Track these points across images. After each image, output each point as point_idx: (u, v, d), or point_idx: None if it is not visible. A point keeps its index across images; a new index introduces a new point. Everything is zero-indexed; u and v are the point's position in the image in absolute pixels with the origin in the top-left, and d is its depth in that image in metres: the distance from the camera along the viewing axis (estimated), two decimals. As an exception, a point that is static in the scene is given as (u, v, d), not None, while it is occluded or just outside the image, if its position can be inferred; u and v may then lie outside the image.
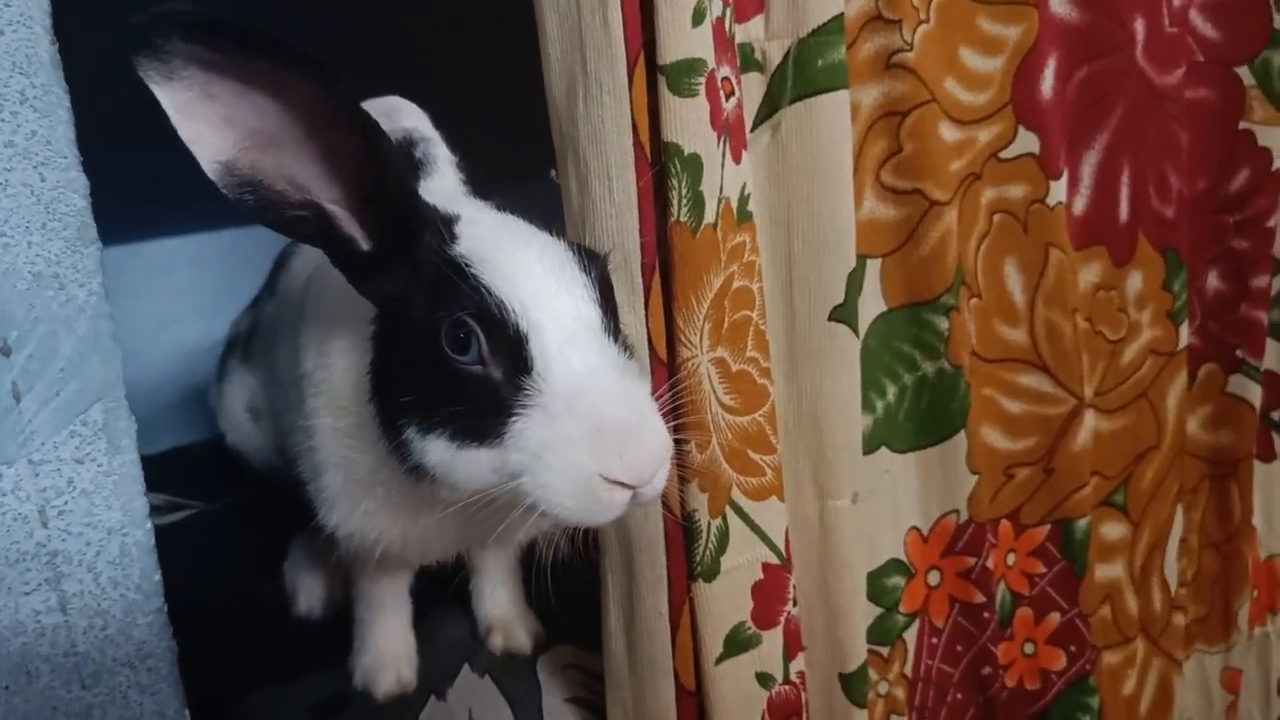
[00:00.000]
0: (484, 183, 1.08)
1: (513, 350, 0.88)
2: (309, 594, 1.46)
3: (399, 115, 1.12)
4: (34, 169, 0.92)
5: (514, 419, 0.87)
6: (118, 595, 1.01)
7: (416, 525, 1.08)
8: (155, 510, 1.76)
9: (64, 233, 0.94)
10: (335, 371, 1.06)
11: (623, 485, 0.85)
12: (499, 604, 1.41)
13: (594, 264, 0.94)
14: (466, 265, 0.90)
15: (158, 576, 1.03)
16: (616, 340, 0.92)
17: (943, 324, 1.29)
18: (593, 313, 0.91)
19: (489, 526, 0.94)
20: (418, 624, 1.36)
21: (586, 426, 0.85)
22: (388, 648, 1.32)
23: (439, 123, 1.14)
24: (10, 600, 0.96)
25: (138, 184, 1.80)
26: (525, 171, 1.16)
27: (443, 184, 1.06)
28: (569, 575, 1.25)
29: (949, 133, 1.28)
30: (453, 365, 0.89)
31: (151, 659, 1.04)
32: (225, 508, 1.75)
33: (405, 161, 1.04)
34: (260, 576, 1.52)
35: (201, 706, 1.27)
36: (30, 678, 0.98)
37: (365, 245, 0.93)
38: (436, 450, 0.91)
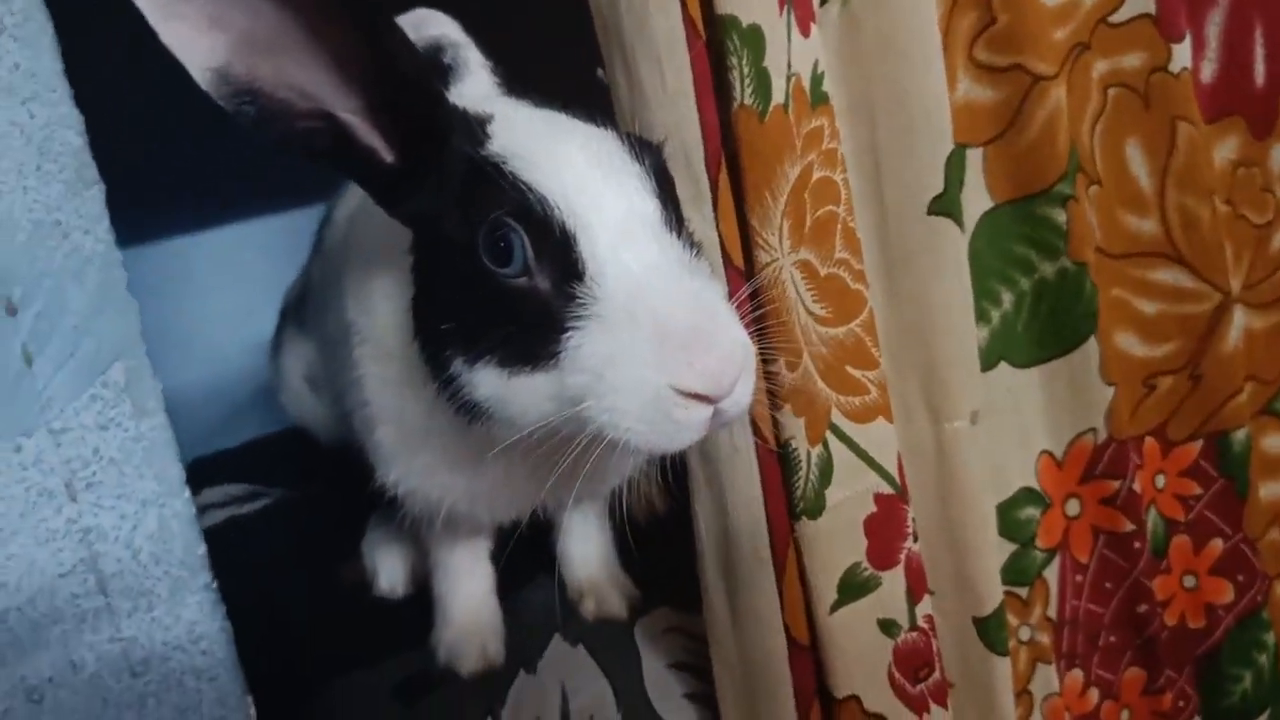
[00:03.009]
0: (522, 85, 0.97)
1: (560, 254, 0.76)
2: (389, 572, 1.37)
3: (426, 25, 1.01)
4: (21, 105, 0.83)
5: (569, 334, 0.75)
6: (161, 573, 0.92)
7: (481, 477, 0.97)
8: (238, 500, 1.73)
9: (61, 175, 0.85)
10: (378, 316, 0.96)
11: (699, 398, 0.73)
12: (589, 566, 1.29)
13: (647, 153, 0.82)
14: (501, 163, 0.79)
15: (202, 549, 0.94)
16: (680, 235, 0.80)
17: (1060, 217, 1.13)
18: (648, 205, 0.79)
19: (562, 471, 0.83)
20: (502, 593, 1.26)
21: (650, 334, 0.73)
22: (470, 620, 1.22)
23: (472, 30, 1.03)
24: (45, 584, 0.88)
25: (195, 170, 1.74)
26: (570, 73, 1.03)
27: (475, 87, 0.95)
28: (663, 529, 1.14)
29: (1049, -3, 1.12)
30: (495, 280, 0.78)
31: (205, 640, 0.95)
32: (305, 492, 1.68)
33: (431, 64, 0.93)
34: (341, 558, 1.44)
35: (283, 694, 1.20)
36: (75, 668, 0.90)
37: (388, 157, 0.83)
38: (486, 382, 0.80)
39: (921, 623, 1.06)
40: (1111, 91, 1.19)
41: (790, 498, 0.99)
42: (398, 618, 1.29)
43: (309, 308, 1.36)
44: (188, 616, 0.94)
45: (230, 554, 1.52)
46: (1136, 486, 1.22)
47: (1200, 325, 1.25)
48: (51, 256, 0.85)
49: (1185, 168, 1.20)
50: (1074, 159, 1.13)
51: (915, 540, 1.05)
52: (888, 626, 1.04)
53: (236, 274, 1.99)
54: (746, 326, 0.92)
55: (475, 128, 0.83)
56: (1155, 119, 1.19)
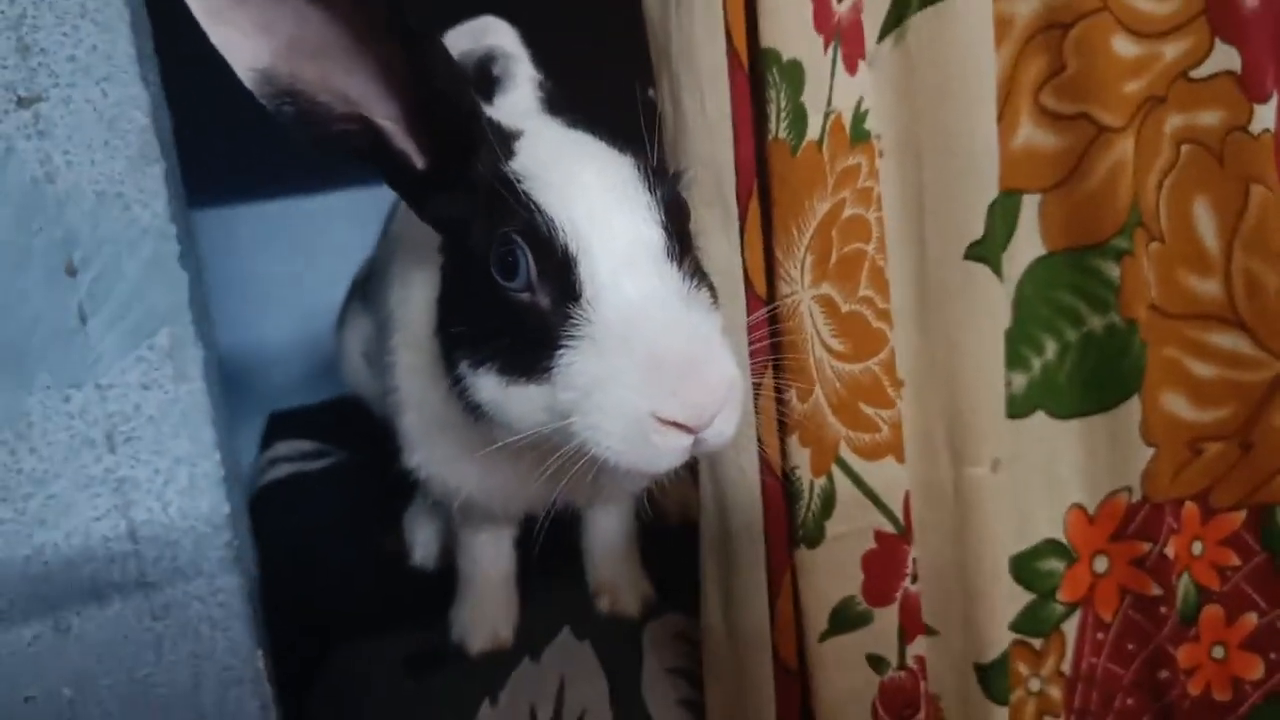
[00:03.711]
0: (567, 101, 0.99)
1: (561, 275, 0.79)
2: (424, 545, 1.43)
3: (486, 33, 1.04)
4: (95, 85, 0.90)
5: (562, 352, 0.78)
6: (187, 526, 0.99)
7: (493, 471, 1.01)
8: (307, 456, 1.81)
9: (126, 151, 0.91)
10: (414, 306, 1.00)
11: (679, 426, 0.75)
12: (608, 563, 1.32)
13: (661, 182, 0.84)
14: (518, 181, 0.81)
15: (227, 509, 1.00)
16: (682, 266, 0.82)
17: (1113, 271, 1.11)
18: (653, 235, 0.81)
19: (567, 474, 0.86)
20: (527, 580, 1.29)
21: (639, 360, 0.75)
22: (487, 602, 1.26)
23: (529, 41, 1.05)
24: (80, 524, 0.96)
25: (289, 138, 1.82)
26: (626, 91, 1.06)
27: (517, 101, 0.98)
28: (693, 535, 1.16)
29: (1125, 47, 1.09)
30: (500, 292, 0.81)
31: (222, 594, 1.02)
32: (370, 457, 1.75)
33: (475, 76, 0.97)
34: (387, 526, 1.50)
35: (304, 650, 1.26)
36: (101, 604, 0.98)
37: (420, 163, 0.86)
38: (488, 386, 0.83)
39: (911, 663, 1.06)
40: (1184, 148, 1.15)
41: (792, 525, 1.00)
42: (426, 591, 1.34)
43: (371, 285, 1.42)
44: (208, 570, 1.00)
45: (289, 508, 1.62)
46: (1169, 551, 1.19)
47: (1256, 393, 1.20)
48: (112, 226, 0.92)
49: (1255, 231, 1.15)
50: (1135, 214, 1.10)
51: (914, 581, 1.05)
52: (876, 662, 1.04)
53: (333, 239, 2.07)
54: (761, 354, 0.94)
55: (504, 143, 0.86)
56: (1228, 179, 1.15)
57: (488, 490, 1.03)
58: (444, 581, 1.34)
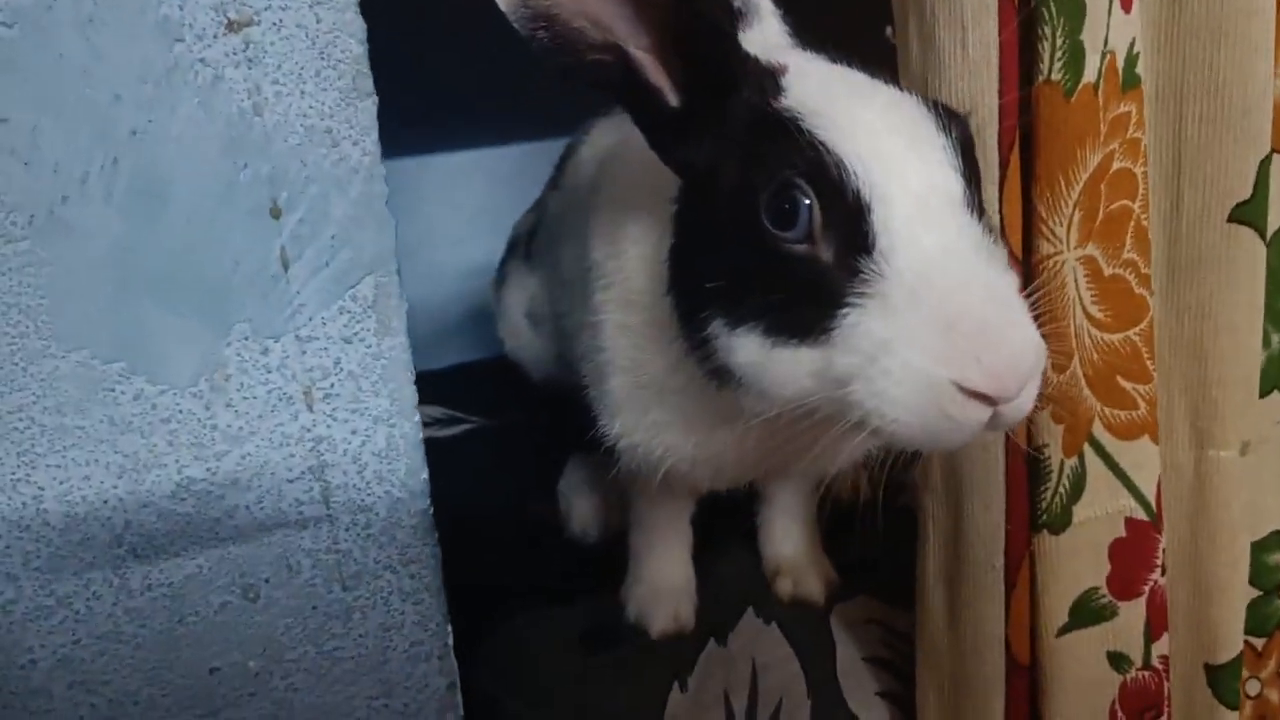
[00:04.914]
0: (811, 38, 0.91)
1: (850, 224, 0.71)
2: (583, 516, 1.36)
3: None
4: (309, 9, 0.82)
5: (846, 310, 0.70)
6: (382, 491, 0.92)
7: (711, 442, 0.93)
8: (435, 423, 1.75)
9: (339, 82, 0.84)
10: (628, 260, 0.92)
11: (981, 398, 0.66)
12: (790, 544, 1.25)
13: (955, 123, 0.75)
14: (798, 119, 0.73)
15: (425, 474, 0.93)
16: (980, 218, 0.73)
17: (1370, 243, 1.01)
18: (952, 181, 0.72)
19: (798, 448, 0.78)
20: (697, 559, 1.22)
21: (937, 321, 0.67)
22: (664, 581, 1.19)
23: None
24: (274, 486, 0.89)
25: (430, 94, 1.75)
26: (855, 31, 0.97)
27: (765, 35, 0.89)
28: (869, 513, 1.08)
29: None
30: (772, 243, 0.73)
31: (415, 565, 0.95)
32: (504, 424, 1.69)
33: (723, 7, 0.88)
34: (536, 495, 1.43)
35: (469, 622, 1.20)
36: (291, 571, 0.91)
37: (674, 100, 0.79)
38: (747, 348, 0.75)
39: (1156, 662, 0.97)
40: None
41: (1035, 508, 0.92)
42: (587, 562, 1.27)
43: (538, 241, 1.34)
44: (402, 539, 0.94)
45: (430, 474, 1.55)
46: (1407, 548, 1.10)
47: None
48: (320, 164, 0.85)
49: None
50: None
51: (1163, 573, 0.97)
52: (1118, 660, 0.96)
53: (459, 199, 2.00)
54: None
55: (768, 79, 0.78)
56: None
57: (696, 462, 0.96)
58: (604, 554, 1.27)
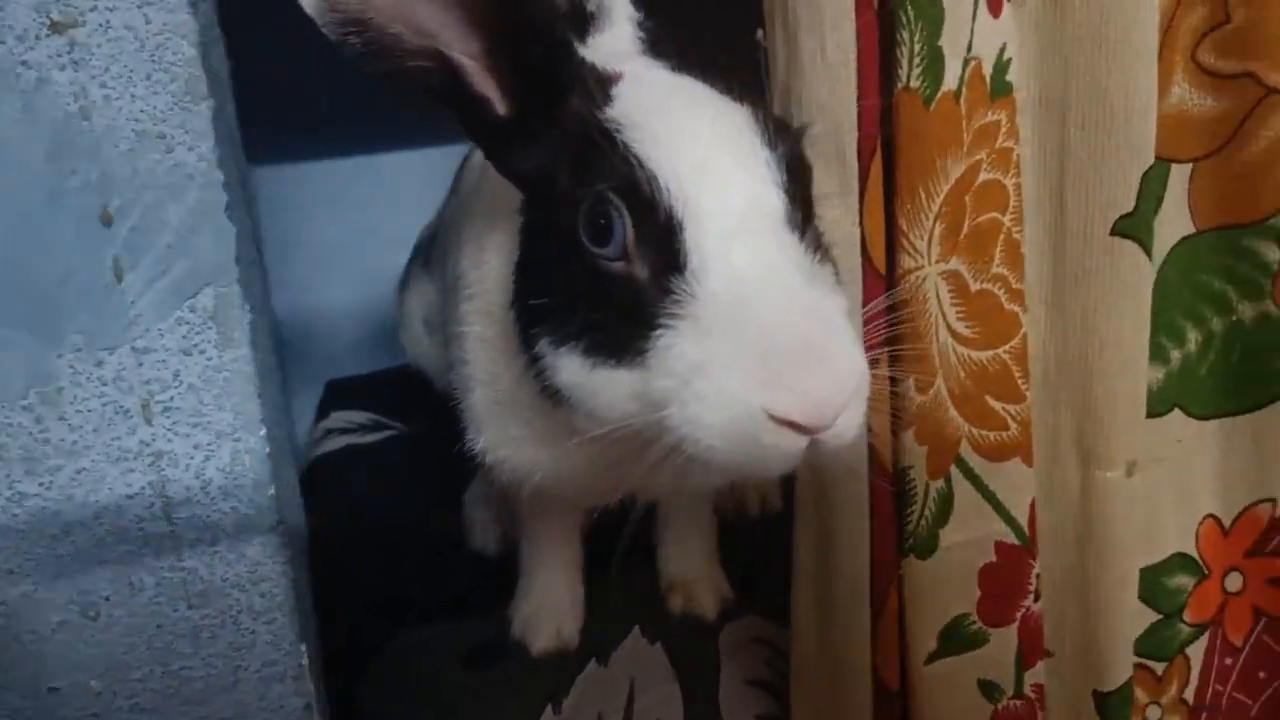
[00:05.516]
0: (670, 43, 0.88)
1: (663, 241, 0.68)
2: (484, 530, 1.33)
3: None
4: (137, 9, 0.79)
5: (660, 332, 0.67)
6: (228, 508, 0.89)
7: (570, 459, 0.90)
8: (361, 428, 1.72)
9: (171, 85, 0.81)
10: (489, 271, 0.90)
11: (795, 426, 0.63)
12: (684, 560, 1.21)
13: (784, 137, 0.72)
14: (616, 130, 0.70)
15: (272, 491, 0.90)
16: (804, 237, 0.70)
17: (1271, 254, 0.98)
18: (773, 198, 0.69)
19: (649, 467, 0.75)
20: (593, 574, 1.19)
21: (750, 345, 0.64)
22: (551, 598, 1.16)
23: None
24: (112, 502, 0.87)
25: (370, 92, 1.72)
26: (729, 33, 0.94)
27: (614, 41, 0.86)
28: (773, 529, 1.05)
29: (1302, -4, 0.96)
30: (591, 260, 0.70)
31: (266, 583, 0.92)
32: (424, 432, 1.65)
33: (569, 11, 0.85)
34: (443, 506, 1.40)
35: (352, 636, 1.18)
36: (134, 589, 0.89)
37: (502, 109, 0.76)
38: (569, 368, 0.72)
39: (1029, 691, 0.94)
40: (1364, 116, 1.02)
41: (901, 532, 0.89)
42: (486, 578, 1.24)
43: (435, 248, 1.32)
44: (251, 555, 0.91)
45: (341, 483, 1.53)
46: (1314, 572, 1.07)
47: None
48: (153, 170, 0.82)
49: None
50: (1302, 190, 0.97)
51: (1037, 600, 0.94)
52: (989, 689, 0.93)
53: (396, 200, 1.97)
54: (877, 337, 0.82)
55: (599, 87, 0.74)
56: None
57: (561, 478, 0.92)
58: (506, 569, 1.24)
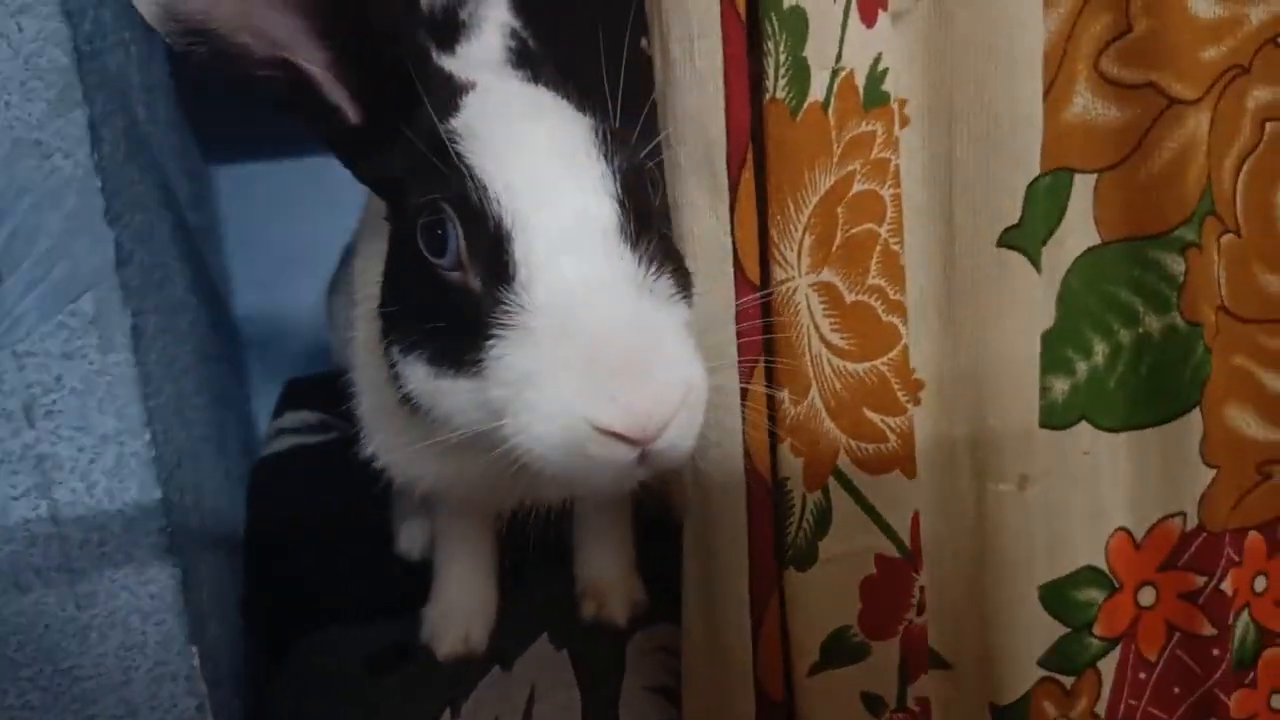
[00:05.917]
0: (535, 53, 0.87)
1: (493, 252, 0.68)
2: (409, 533, 1.33)
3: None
4: (10, 17, 0.80)
5: (492, 342, 0.68)
6: (115, 510, 0.90)
7: (451, 464, 0.90)
8: (310, 428, 1.72)
9: (46, 93, 0.82)
10: (370, 277, 0.90)
11: (619, 438, 0.63)
12: (598, 565, 1.21)
13: (621, 148, 0.72)
14: (454, 141, 0.70)
15: (159, 494, 0.91)
16: (638, 248, 0.70)
17: (1176, 266, 0.97)
18: (604, 209, 0.70)
19: (515, 476, 0.75)
20: (509, 579, 1.19)
21: (575, 356, 0.64)
22: (460, 602, 1.16)
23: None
24: (-3, 503, 0.88)
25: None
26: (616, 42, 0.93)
27: (481, 50, 0.86)
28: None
29: (1204, 8, 0.95)
30: (430, 270, 0.71)
31: (154, 584, 0.93)
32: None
33: (439, 19, 0.85)
34: (380, 509, 1.40)
35: (281, 635, 1.18)
36: (21, 590, 0.90)
37: (354, 117, 0.76)
38: (416, 376, 0.74)
39: (913, 704, 0.94)
40: (1269, 126, 1.00)
41: (780, 543, 0.88)
42: (407, 581, 1.24)
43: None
44: (139, 558, 0.92)
45: (285, 483, 1.53)
46: (1226, 587, 1.05)
47: (1340, 413, 1.05)
48: (30, 176, 0.83)
49: (1350, 227, 1.00)
50: (1206, 201, 0.96)
51: (920, 613, 0.93)
52: (872, 703, 0.92)
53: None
54: (751, 348, 0.82)
55: (450, 97, 0.75)
56: (1321, 165, 1.00)
57: (448, 483, 0.93)
58: (428, 573, 1.24)
